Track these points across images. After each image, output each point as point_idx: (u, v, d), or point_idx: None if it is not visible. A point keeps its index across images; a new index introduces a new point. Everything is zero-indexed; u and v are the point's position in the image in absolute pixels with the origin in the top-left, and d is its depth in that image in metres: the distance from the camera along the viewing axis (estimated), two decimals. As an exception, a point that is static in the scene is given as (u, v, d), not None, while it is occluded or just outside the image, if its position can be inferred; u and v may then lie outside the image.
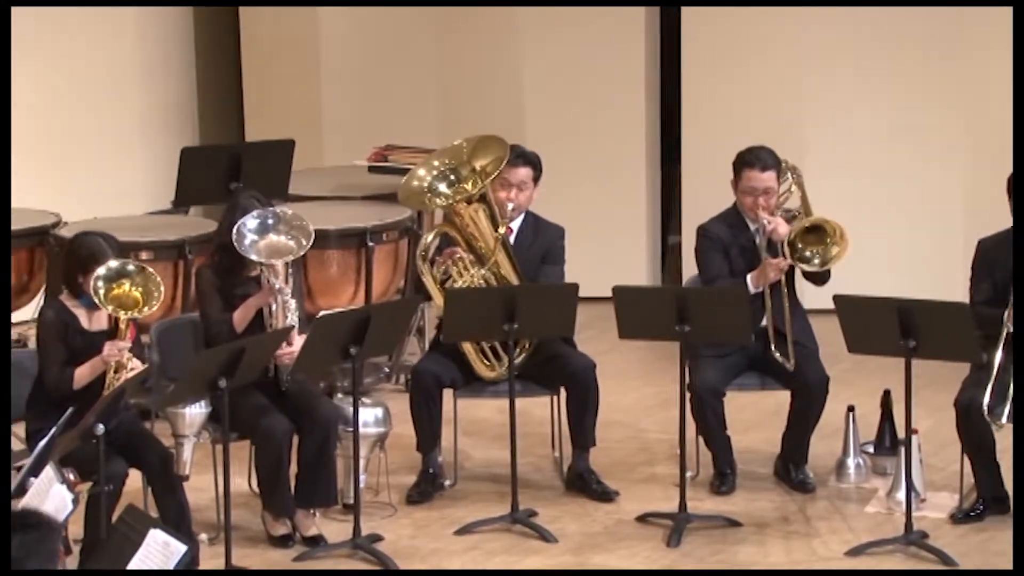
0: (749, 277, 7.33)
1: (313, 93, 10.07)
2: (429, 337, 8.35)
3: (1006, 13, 8.94)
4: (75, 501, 5.43)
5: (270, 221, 6.90)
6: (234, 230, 6.84)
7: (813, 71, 9.49)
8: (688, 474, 7.15)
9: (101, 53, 9.83)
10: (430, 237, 7.37)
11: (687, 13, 9.67)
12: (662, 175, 10.09)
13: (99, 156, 9.82)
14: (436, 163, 7.40)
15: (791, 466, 7.43)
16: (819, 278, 7.36)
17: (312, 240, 6.92)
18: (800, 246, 7.20)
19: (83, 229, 7.11)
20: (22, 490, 5.52)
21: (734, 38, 9.59)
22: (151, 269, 6.59)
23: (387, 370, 8.66)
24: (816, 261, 7.20)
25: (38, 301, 8.50)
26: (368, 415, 7.07)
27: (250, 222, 6.86)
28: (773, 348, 7.31)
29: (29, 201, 8.66)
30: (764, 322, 7.33)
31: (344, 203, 8.77)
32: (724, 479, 7.40)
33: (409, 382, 7.63)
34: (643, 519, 7.14)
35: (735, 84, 9.59)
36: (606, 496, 7.34)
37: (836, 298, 6.85)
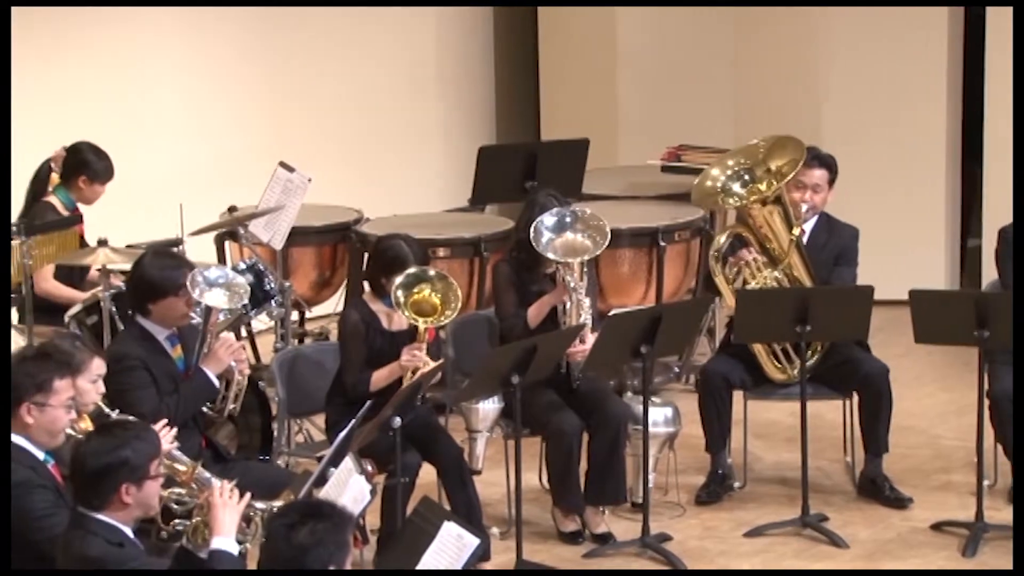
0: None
1: (609, 92, 10.12)
2: (719, 337, 8.32)
3: None
4: (373, 491, 5.56)
5: (567, 219, 6.95)
6: (532, 228, 6.93)
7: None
8: (985, 483, 6.99)
9: (402, 53, 10.03)
10: (723, 237, 7.34)
11: (992, 12, 9.43)
12: (963, 176, 9.88)
13: (400, 154, 10.02)
14: (731, 163, 7.37)
15: (1094, 477, 7.22)
16: None
17: (608, 240, 6.97)
18: None
19: (384, 228, 7.26)
20: (323, 480, 5.68)
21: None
22: (451, 278, 6.66)
23: (677, 370, 8.66)
24: None
25: (339, 296, 8.75)
26: (657, 414, 7.08)
27: (548, 220, 6.93)
28: None
29: (334, 198, 8.88)
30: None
31: (637, 202, 8.79)
32: None
33: (698, 382, 7.62)
34: (938, 527, 7.01)
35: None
36: (899, 503, 7.23)
37: None
